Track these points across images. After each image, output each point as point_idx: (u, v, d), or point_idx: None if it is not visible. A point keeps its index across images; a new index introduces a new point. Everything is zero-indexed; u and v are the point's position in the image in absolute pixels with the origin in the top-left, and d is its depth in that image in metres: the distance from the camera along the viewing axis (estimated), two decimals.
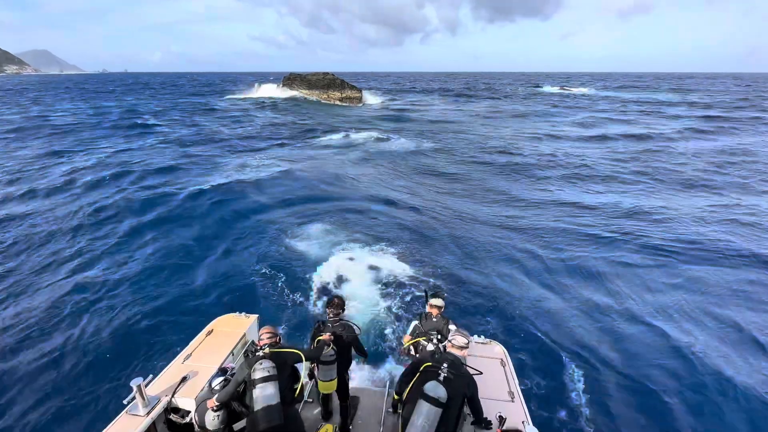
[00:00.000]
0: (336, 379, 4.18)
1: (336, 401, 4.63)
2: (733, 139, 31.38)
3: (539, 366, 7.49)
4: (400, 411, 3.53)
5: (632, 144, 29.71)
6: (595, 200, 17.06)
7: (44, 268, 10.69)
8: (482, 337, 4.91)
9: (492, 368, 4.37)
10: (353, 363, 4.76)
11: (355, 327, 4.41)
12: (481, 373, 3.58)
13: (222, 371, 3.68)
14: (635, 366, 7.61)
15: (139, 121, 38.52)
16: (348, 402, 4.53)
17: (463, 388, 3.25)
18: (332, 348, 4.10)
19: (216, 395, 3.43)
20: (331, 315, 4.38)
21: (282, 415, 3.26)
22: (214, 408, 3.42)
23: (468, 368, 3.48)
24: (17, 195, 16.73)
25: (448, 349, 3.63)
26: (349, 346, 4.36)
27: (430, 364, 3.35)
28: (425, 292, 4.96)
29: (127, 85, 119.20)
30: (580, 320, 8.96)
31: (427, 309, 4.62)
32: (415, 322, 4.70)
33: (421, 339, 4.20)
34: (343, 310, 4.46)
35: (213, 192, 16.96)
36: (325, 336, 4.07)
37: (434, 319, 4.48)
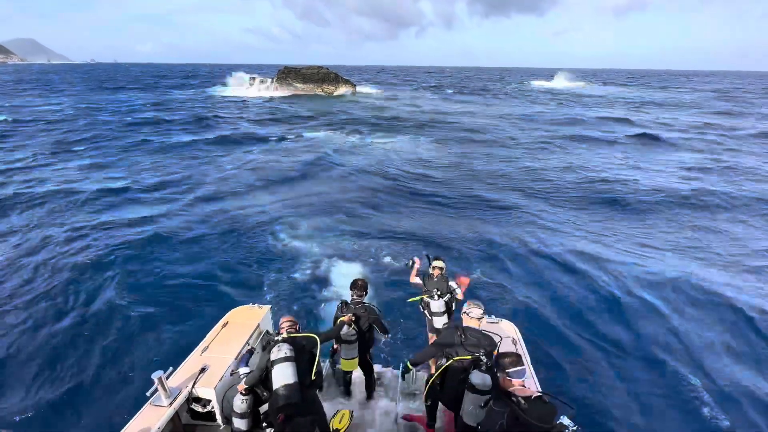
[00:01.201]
0: (357, 358, 4.49)
1: (356, 380, 5.03)
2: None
3: (551, 343, 7.84)
4: (422, 386, 3.96)
5: (559, 124, 31.79)
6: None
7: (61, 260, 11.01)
8: (493, 316, 4.98)
9: (503, 347, 4.39)
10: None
11: (376, 308, 4.61)
12: (501, 338, 3.80)
13: (246, 359, 3.89)
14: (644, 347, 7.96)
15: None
16: (372, 377, 4.87)
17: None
18: (353, 328, 4.32)
19: (244, 380, 3.63)
20: (354, 296, 4.56)
21: (300, 393, 3.40)
22: (243, 392, 3.62)
23: (489, 334, 3.69)
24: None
25: (465, 323, 3.78)
26: (370, 327, 4.55)
27: (464, 357, 3.48)
28: (427, 256, 5.44)
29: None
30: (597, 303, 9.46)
31: (430, 270, 5.16)
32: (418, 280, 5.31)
33: (424, 296, 4.98)
34: (366, 292, 4.63)
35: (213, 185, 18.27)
36: (345, 317, 4.29)
37: (435, 279, 5.07)
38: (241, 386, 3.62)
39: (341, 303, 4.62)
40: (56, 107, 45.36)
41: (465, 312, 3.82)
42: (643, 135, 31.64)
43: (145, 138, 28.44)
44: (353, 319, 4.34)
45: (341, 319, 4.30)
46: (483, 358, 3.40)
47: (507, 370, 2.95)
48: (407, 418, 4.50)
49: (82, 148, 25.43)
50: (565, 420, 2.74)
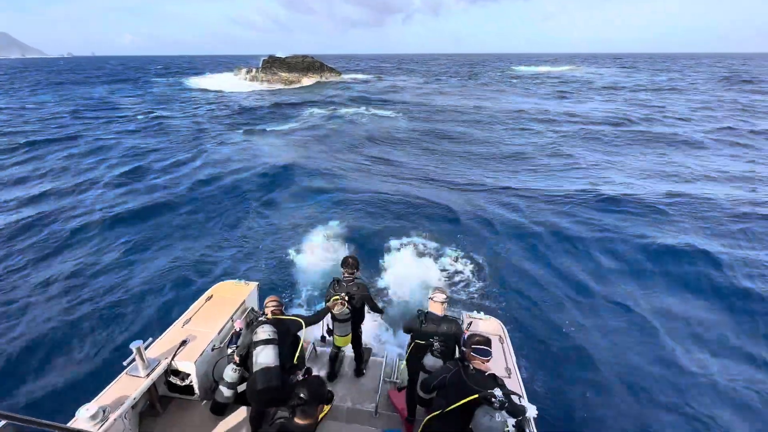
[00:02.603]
0: (351, 334, 4.60)
1: (345, 359, 5.13)
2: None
3: (538, 343, 7.60)
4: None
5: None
6: None
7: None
8: (481, 313, 4.95)
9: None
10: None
11: (367, 286, 4.62)
12: (467, 321, 3.94)
13: (235, 341, 3.84)
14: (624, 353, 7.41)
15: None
16: (361, 349, 4.93)
17: (452, 349, 3.87)
18: (347, 307, 4.37)
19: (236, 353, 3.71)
20: (345, 274, 4.52)
21: (280, 377, 3.38)
22: (236, 363, 3.67)
23: (452, 318, 3.98)
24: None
25: (429, 308, 4.02)
26: (362, 304, 4.60)
27: (420, 342, 3.86)
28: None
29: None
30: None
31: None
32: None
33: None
34: (358, 269, 4.57)
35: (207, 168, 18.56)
36: (339, 300, 4.32)
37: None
38: (236, 357, 3.66)
39: (333, 281, 4.60)
40: None
41: (430, 297, 4.09)
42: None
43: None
44: (347, 299, 4.37)
45: (333, 298, 4.33)
46: (436, 343, 3.76)
47: (472, 346, 3.23)
48: (392, 396, 4.59)
49: None
50: (496, 391, 2.89)
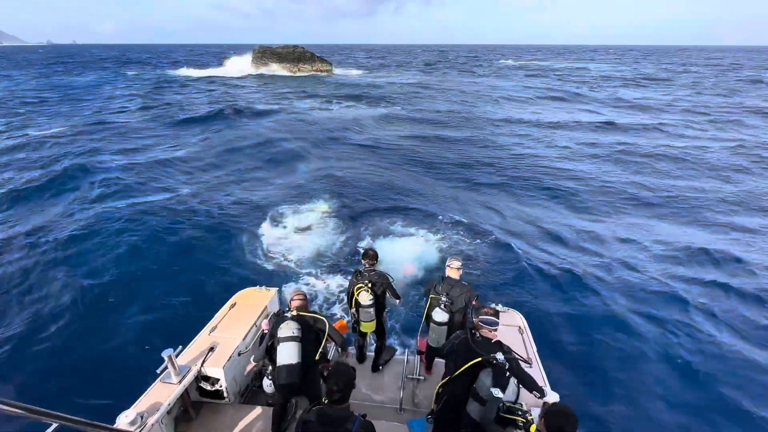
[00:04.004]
0: (375, 320, 4.83)
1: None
2: None
3: (561, 333, 7.81)
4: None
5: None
6: None
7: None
8: (500, 305, 5.09)
9: (510, 335, 4.57)
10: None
11: (388, 275, 4.87)
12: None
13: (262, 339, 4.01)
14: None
15: None
16: (383, 342, 5.17)
17: (460, 308, 4.32)
18: (370, 294, 4.65)
19: (256, 356, 3.94)
20: (366, 265, 4.82)
21: (301, 374, 3.55)
22: (269, 375, 3.91)
23: (464, 284, 4.44)
24: None
25: (447, 273, 4.58)
26: (384, 292, 4.87)
27: (432, 297, 4.46)
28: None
29: None
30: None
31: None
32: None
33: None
34: (377, 260, 4.89)
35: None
36: (360, 292, 4.64)
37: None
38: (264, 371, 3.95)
39: (355, 272, 4.86)
40: None
41: (447, 264, 4.62)
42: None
43: None
44: (370, 286, 4.66)
45: (357, 287, 4.65)
46: (443, 298, 4.29)
47: (480, 316, 3.38)
48: (420, 346, 4.97)
49: None
50: (498, 355, 3.06)
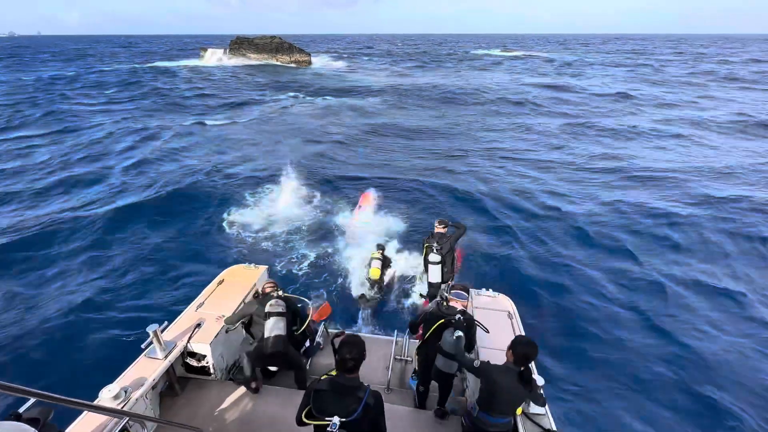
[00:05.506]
0: (379, 269, 7.48)
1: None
2: None
3: (550, 318, 7.70)
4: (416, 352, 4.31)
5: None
6: None
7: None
8: (490, 290, 5.07)
9: (499, 321, 4.53)
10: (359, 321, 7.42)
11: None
12: (488, 331, 3.98)
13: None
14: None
15: None
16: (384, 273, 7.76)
17: (449, 250, 5.96)
18: (436, 252, 5.98)
19: (229, 323, 4.18)
20: (438, 228, 6.19)
21: (287, 344, 3.99)
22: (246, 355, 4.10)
23: (447, 235, 6.02)
24: None
25: (435, 230, 6.11)
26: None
27: (428, 245, 6.01)
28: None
29: None
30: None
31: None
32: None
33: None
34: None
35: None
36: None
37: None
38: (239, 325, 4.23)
39: (429, 233, 6.29)
40: None
41: (435, 224, 6.19)
42: None
43: None
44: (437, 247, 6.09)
45: (425, 246, 6.19)
46: (435, 243, 5.94)
47: (451, 291, 4.01)
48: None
49: None
50: (457, 315, 3.60)
